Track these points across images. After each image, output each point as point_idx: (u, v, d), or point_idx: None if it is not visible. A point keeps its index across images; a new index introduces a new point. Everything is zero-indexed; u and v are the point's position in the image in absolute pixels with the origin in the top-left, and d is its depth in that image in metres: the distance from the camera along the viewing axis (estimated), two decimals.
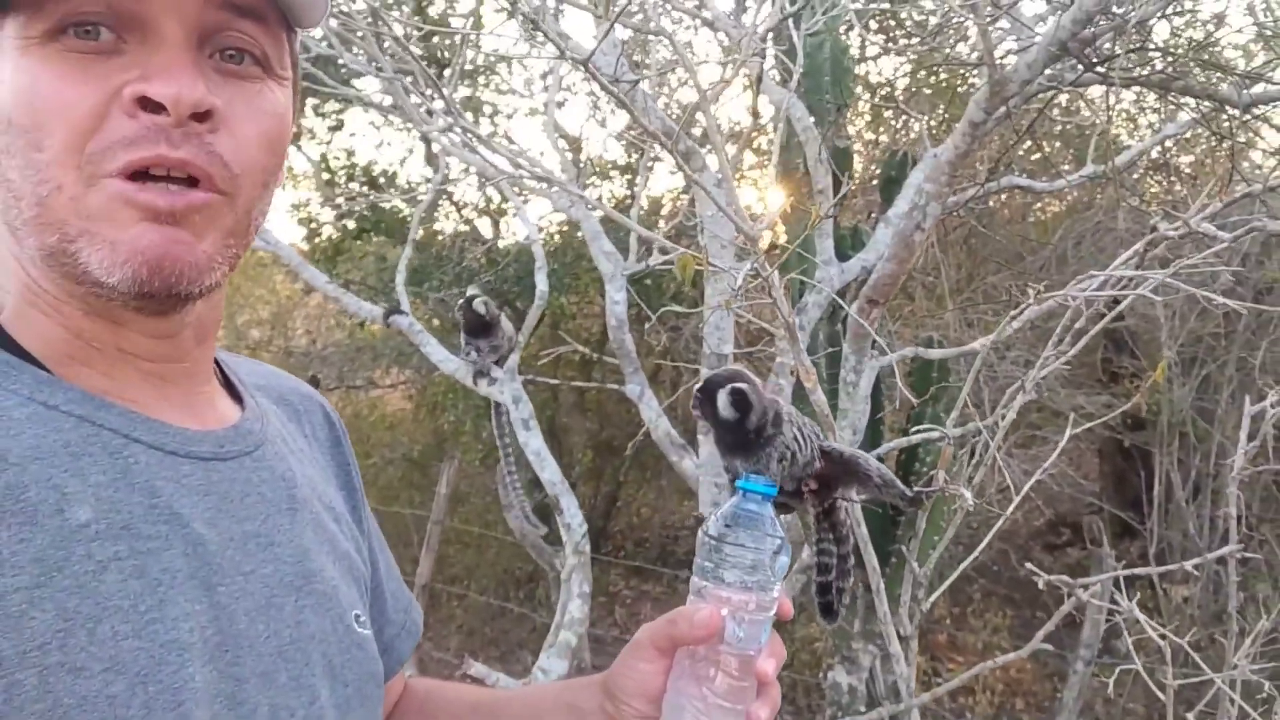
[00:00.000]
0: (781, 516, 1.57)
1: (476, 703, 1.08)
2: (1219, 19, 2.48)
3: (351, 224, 6.49)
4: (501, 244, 6.71)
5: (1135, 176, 4.76)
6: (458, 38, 4.10)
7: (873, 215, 3.61)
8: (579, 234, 5.54)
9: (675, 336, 5.07)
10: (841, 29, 3.54)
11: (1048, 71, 2.19)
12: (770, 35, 2.40)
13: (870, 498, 1.30)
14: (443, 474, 5.76)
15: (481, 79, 6.40)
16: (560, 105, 5.39)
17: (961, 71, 4.38)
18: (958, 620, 6.29)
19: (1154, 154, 4.28)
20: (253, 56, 0.73)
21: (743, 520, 0.87)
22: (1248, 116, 2.28)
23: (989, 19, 2.17)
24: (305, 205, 6.63)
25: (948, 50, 3.46)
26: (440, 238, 6.75)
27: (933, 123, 4.91)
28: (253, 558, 0.74)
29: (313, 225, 6.66)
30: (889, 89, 5.49)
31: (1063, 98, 3.85)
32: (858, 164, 5.50)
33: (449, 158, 3.40)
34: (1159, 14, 1.93)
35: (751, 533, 0.86)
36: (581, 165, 5.41)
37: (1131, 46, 1.95)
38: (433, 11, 6.07)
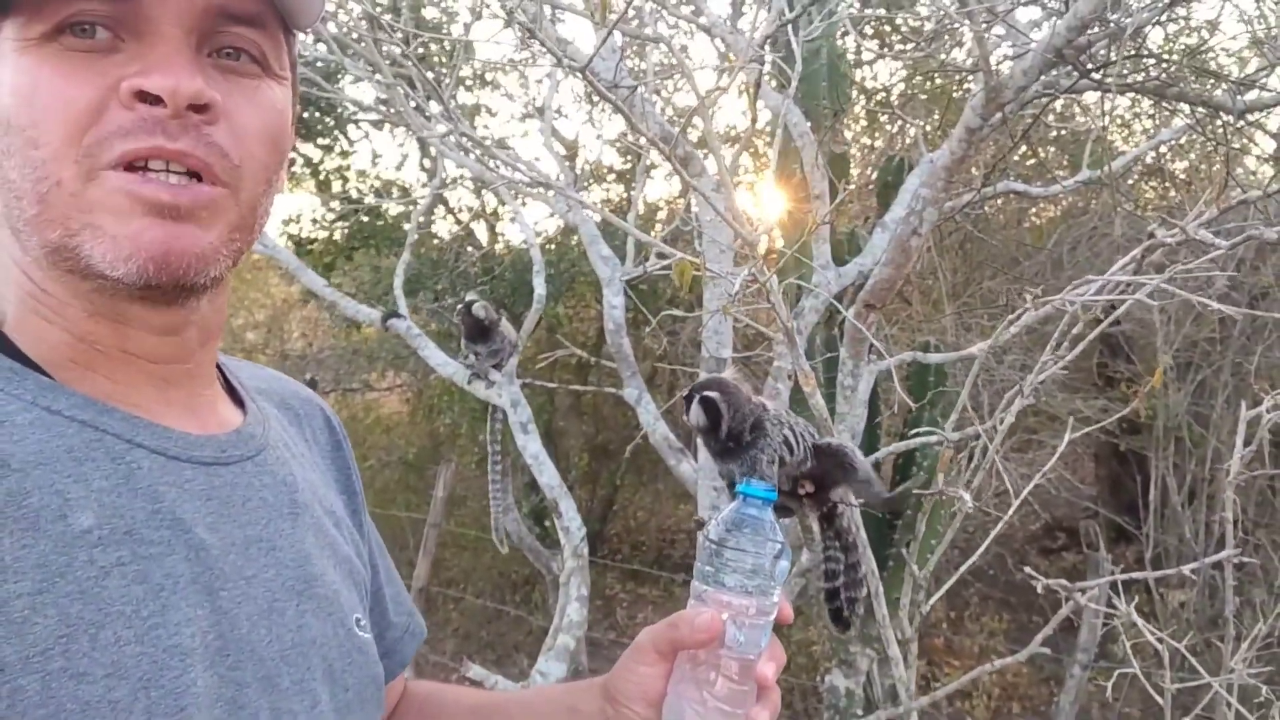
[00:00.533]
0: (781, 521, 1.57)
1: (476, 705, 1.08)
2: (1213, 25, 2.49)
3: (339, 237, 6.48)
4: (497, 249, 6.71)
5: (1130, 182, 4.78)
6: (454, 44, 4.10)
7: (869, 220, 3.62)
8: (574, 239, 5.55)
9: (673, 340, 5.07)
10: (838, 35, 3.55)
11: (1043, 78, 2.20)
12: (768, 41, 2.41)
13: (859, 497, 1.30)
14: (439, 477, 5.76)
15: (478, 84, 6.40)
16: (558, 113, 5.39)
17: (957, 77, 4.39)
18: (955, 624, 6.29)
19: (1149, 159, 4.30)
20: (251, 55, 0.73)
21: (743, 525, 0.87)
22: (1241, 123, 2.30)
23: (985, 25, 2.18)
24: (297, 220, 6.62)
25: (943, 56, 3.47)
26: (436, 242, 6.75)
27: (929, 128, 4.92)
28: (254, 562, 0.74)
29: (301, 240, 6.64)
30: (885, 94, 5.50)
31: (1058, 103, 3.87)
32: (854, 169, 5.52)
33: (446, 162, 3.40)
34: (1154, 21, 1.94)
35: (752, 537, 0.86)
36: (578, 170, 5.41)
37: (1126, 53, 1.95)
38: (427, 15, 6.07)
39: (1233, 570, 1.93)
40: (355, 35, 2.64)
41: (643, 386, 2.99)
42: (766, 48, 2.18)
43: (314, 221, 6.65)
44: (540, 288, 3.08)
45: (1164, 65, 2.05)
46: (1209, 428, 5.16)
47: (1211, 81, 2.30)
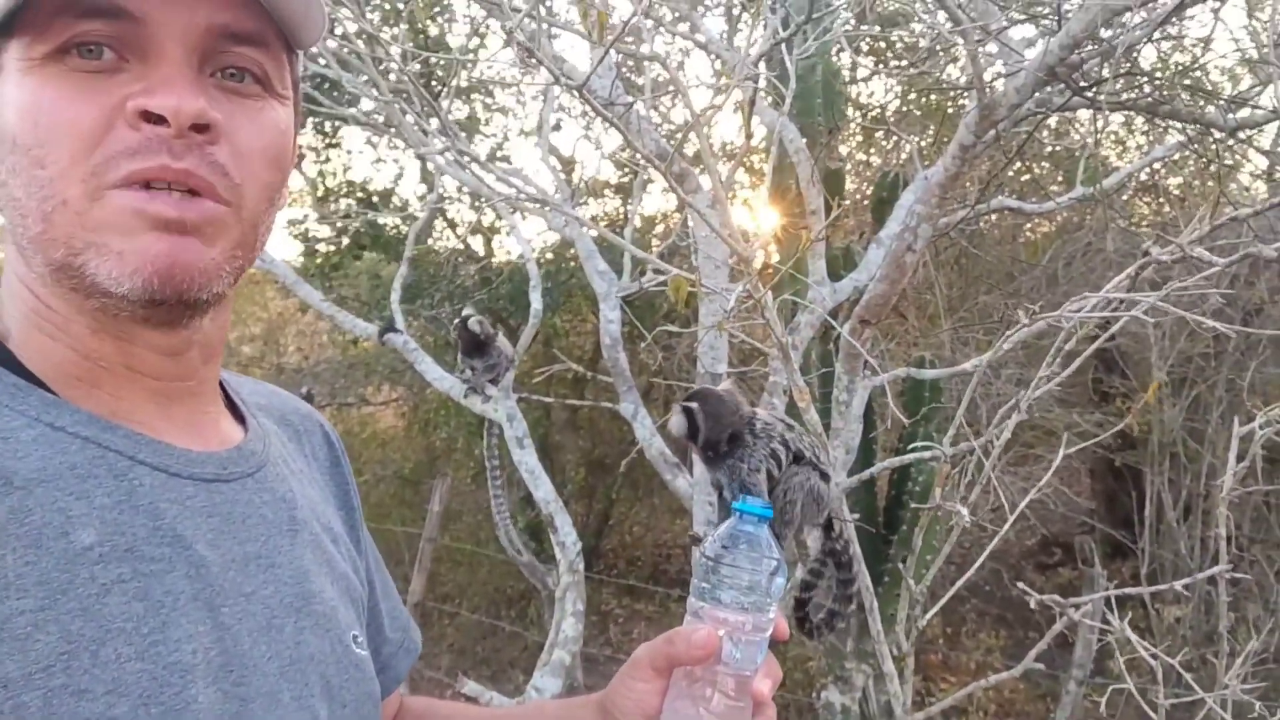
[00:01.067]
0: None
1: None
2: (1205, 43, 2.51)
3: (347, 240, 6.50)
4: (495, 262, 6.73)
5: (1125, 198, 4.80)
6: (450, 61, 4.12)
7: (864, 236, 3.63)
8: (571, 252, 5.56)
9: (669, 355, 5.08)
10: (833, 52, 3.57)
11: (1036, 95, 2.21)
12: (762, 59, 2.42)
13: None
14: (435, 491, 5.75)
15: (476, 97, 6.42)
16: (556, 128, 5.41)
17: (952, 93, 4.42)
18: (951, 640, 6.28)
19: (1143, 176, 4.32)
20: (253, 75, 0.74)
21: (739, 541, 0.87)
22: (1233, 140, 2.31)
23: (978, 41, 2.19)
24: (302, 222, 6.64)
25: (938, 74, 3.49)
26: (434, 255, 6.76)
27: (923, 144, 4.94)
28: (254, 579, 0.74)
29: (309, 242, 6.67)
30: (880, 111, 5.53)
31: (1052, 120, 3.89)
32: (850, 185, 5.54)
33: (444, 176, 3.41)
34: (1146, 39, 1.95)
35: (748, 554, 0.86)
36: (575, 185, 5.43)
37: (1119, 71, 1.97)
38: (432, 29, 6.10)
39: (1227, 586, 1.93)
40: (349, 51, 2.65)
41: (639, 401, 3.00)
42: (761, 65, 2.19)
43: (320, 220, 6.68)
44: (537, 302, 3.09)
45: (1156, 83, 2.07)
46: (1204, 443, 5.17)
47: (1204, 99, 2.32)
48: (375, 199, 6.37)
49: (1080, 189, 2.78)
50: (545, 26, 1.99)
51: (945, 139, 4.37)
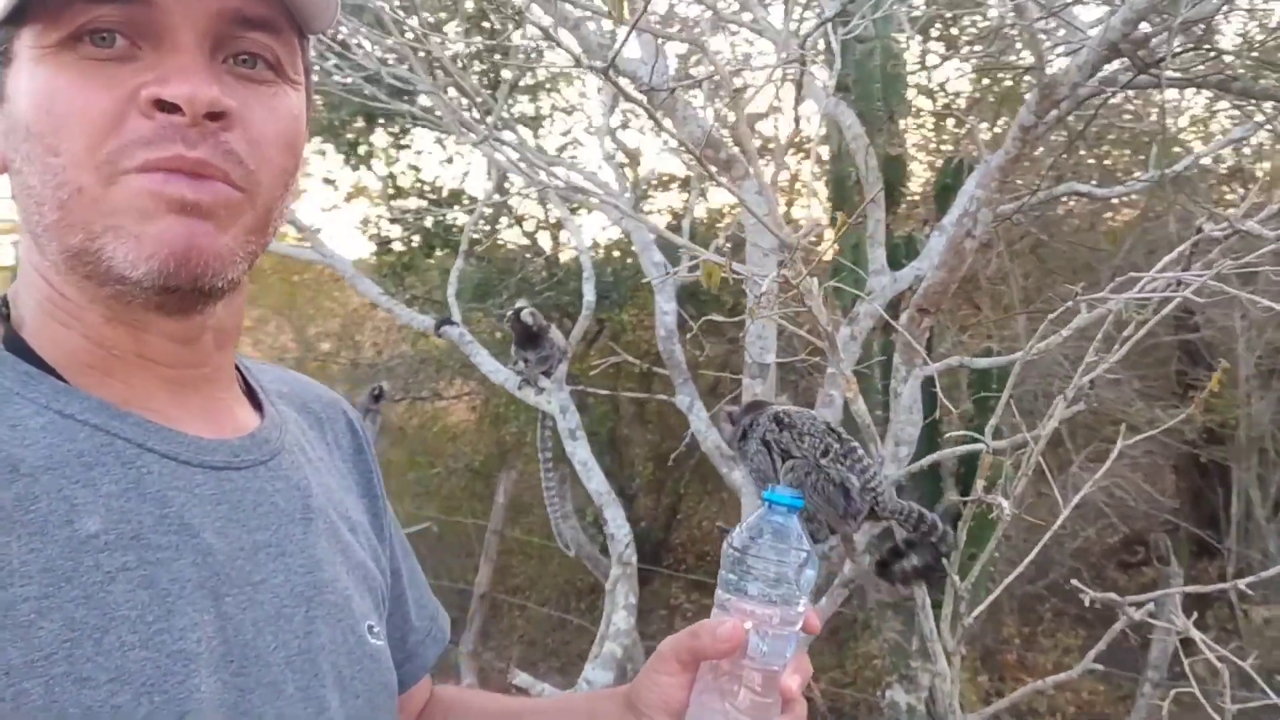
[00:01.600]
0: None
1: (499, 712, 1.07)
2: None
3: (418, 240, 6.59)
4: (562, 257, 6.76)
5: (1209, 184, 4.60)
6: (512, 55, 4.14)
7: (927, 224, 3.55)
8: (634, 247, 5.54)
9: (733, 347, 5.04)
10: (896, 36, 3.49)
11: (1101, 73, 2.13)
12: (807, 40, 2.37)
13: None
14: (500, 484, 5.80)
15: (543, 93, 6.45)
16: (624, 125, 5.40)
17: (1026, 78, 4.29)
18: (1028, 640, 6.12)
19: (1229, 160, 4.13)
20: (266, 61, 0.74)
21: (767, 532, 0.85)
22: None
23: (1038, 19, 2.11)
24: (375, 221, 6.76)
25: (1007, 56, 3.39)
26: (503, 251, 6.81)
27: (996, 129, 4.81)
28: (263, 568, 0.74)
29: (381, 241, 6.78)
30: (952, 97, 5.41)
31: (1134, 102, 3.74)
32: (921, 172, 5.43)
33: (504, 172, 3.43)
34: (1214, 13, 1.86)
35: (776, 545, 0.84)
36: (639, 178, 5.42)
37: (1186, 46, 1.88)
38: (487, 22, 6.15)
39: None
40: (404, 42, 2.67)
41: (695, 393, 2.98)
42: (807, 46, 2.15)
43: (391, 221, 6.79)
44: (589, 294, 3.09)
45: (1225, 58, 1.97)
46: None
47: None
48: (444, 198, 6.45)
49: (1154, 172, 2.67)
50: (576, 11, 1.98)
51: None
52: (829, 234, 3.18)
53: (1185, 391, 5.79)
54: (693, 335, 2.30)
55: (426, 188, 6.66)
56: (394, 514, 1.03)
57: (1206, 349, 5.56)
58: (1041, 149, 3.59)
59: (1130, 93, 2.99)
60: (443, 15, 4.64)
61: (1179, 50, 1.82)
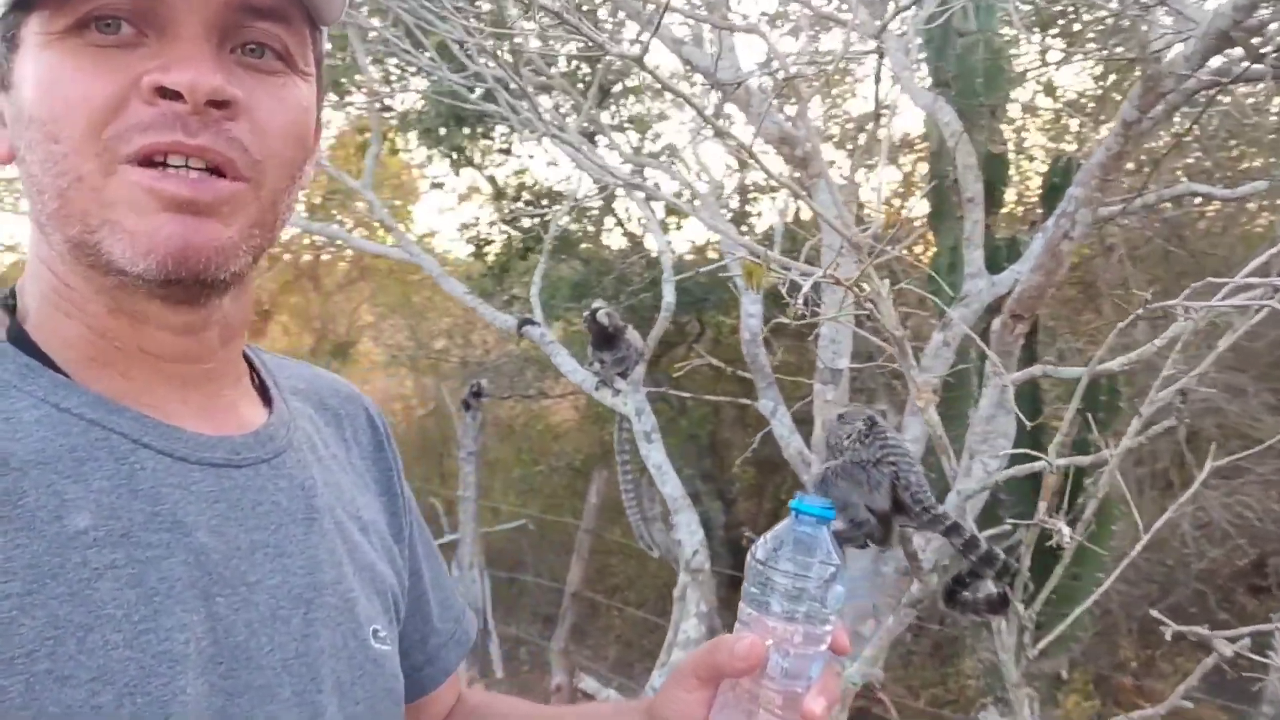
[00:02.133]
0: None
1: (526, 718, 1.05)
2: None
3: (518, 243, 6.67)
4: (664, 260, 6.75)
5: None
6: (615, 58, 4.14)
7: (1033, 225, 3.39)
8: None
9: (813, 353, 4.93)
10: (1002, 29, 3.35)
11: (1212, 65, 1.98)
12: (908, 36, 2.28)
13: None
14: (593, 484, 5.82)
15: (648, 95, 6.44)
16: (727, 127, 5.36)
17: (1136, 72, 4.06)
18: (1146, 665, 5.80)
19: None
20: (274, 51, 0.73)
21: (792, 544, 0.80)
22: None
23: (1146, 7, 1.98)
24: (474, 225, 6.86)
25: (1120, 50, 3.20)
26: (605, 252, 6.83)
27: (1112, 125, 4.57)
28: (259, 568, 0.72)
29: (481, 242, 6.88)
30: (1076, 94, 5.18)
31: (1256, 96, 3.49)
32: (1038, 172, 5.22)
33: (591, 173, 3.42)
34: None
35: (801, 558, 0.78)
36: (740, 184, 5.36)
37: None
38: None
39: None
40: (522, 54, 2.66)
41: (778, 398, 2.91)
42: (885, 38, 2.06)
43: (490, 224, 6.88)
44: (669, 295, 3.06)
45: None
46: None
47: None
48: (546, 200, 6.52)
49: (1276, 173, 2.48)
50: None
51: None
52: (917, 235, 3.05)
53: None
54: (765, 338, 2.23)
55: (525, 191, 6.73)
56: (418, 514, 1.00)
57: None
58: (1161, 141, 3.37)
59: (1259, 86, 2.79)
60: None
61: None
